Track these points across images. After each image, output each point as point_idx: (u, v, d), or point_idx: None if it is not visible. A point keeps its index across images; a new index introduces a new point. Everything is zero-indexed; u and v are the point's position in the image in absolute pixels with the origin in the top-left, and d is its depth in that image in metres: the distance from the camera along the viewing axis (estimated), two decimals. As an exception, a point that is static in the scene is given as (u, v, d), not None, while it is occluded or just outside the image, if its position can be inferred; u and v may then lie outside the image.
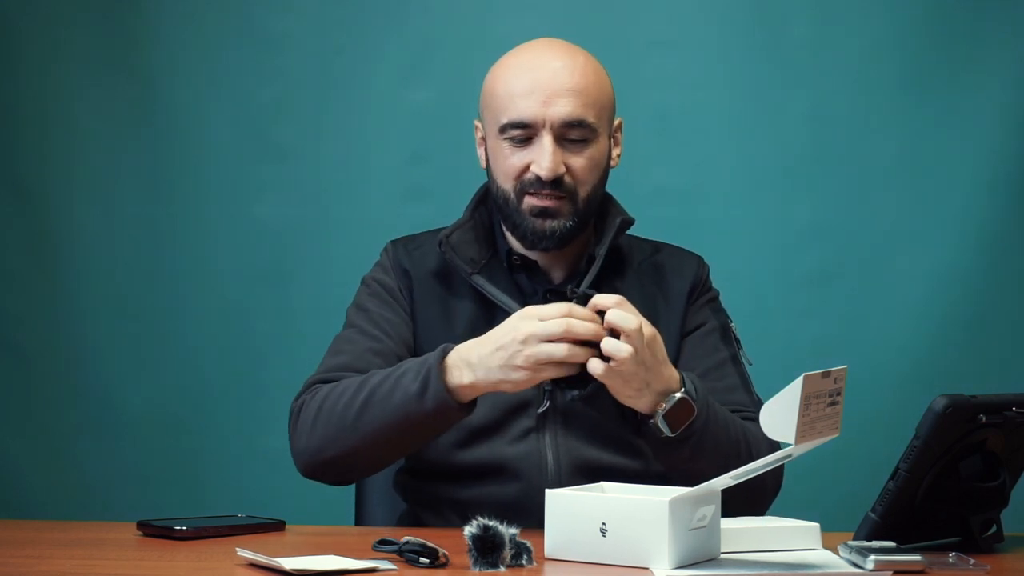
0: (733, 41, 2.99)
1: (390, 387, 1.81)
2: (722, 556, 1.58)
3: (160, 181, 3.03)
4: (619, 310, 1.73)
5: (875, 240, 2.98)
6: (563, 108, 1.92)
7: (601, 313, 1.73)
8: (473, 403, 1.81)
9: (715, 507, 1.55)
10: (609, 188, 2.04)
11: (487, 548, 1.46)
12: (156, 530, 1.73)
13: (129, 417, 3.01)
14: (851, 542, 1.57)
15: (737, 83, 2.99)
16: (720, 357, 2.00)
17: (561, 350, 1.72)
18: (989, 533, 1.71)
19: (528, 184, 1.95)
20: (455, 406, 1.78)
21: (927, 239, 2.96)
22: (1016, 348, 2.96)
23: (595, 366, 1.72)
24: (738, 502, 1.70)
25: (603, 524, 1.51)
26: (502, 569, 1.46)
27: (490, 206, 2.05)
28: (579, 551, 1.53)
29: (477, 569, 1.45)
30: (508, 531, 1.47)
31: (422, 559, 1.50)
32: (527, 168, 1.94)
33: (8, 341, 3.04)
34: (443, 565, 1.49)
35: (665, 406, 1.77)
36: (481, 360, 1.75)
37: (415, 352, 1.97)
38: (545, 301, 1.92)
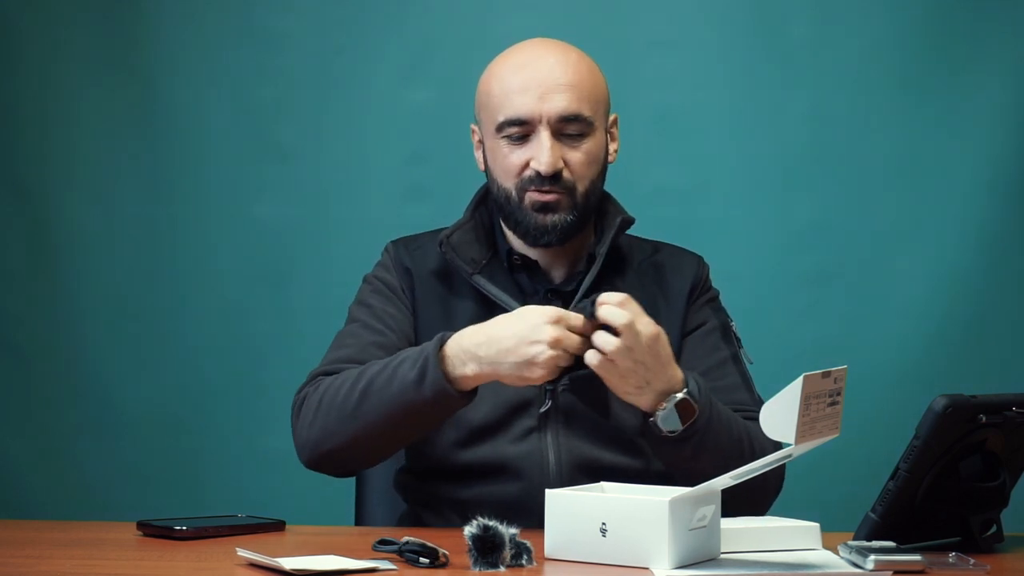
0: (733, 41, 2.99)
1: (388, 376, 1.82)
2: (722, 556, 1.58)
3: (160, 181, 3.03)
4: (610, 306, 1.74)
5: (875, 240, 2.98)
6: (559, 103, 1.93)
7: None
8: (474, 392, 1.82)
9: (715, 507, 1.56)
10: (609, 188, 2.04)
11: (487, 548, 1.46)
12: (156, 530, 1.73)
13: (129, 417, 3.01)
14: (851, 542, 1.57)
15: (737, 83, 2.99)
16: (721, 356, 2.00)
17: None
18: (989, 533, 1.71)
19: (528, 181, 1.95)
20: (455, 394, 1.79)
21: (927, 239, 2.96)
22: (1016, 348, 2.95)
23: (591, 357, 1.75)
24: (740, 502, 1.70)
25: (603, 524, 1.51)
26: (502, 569, 1.46)
27: (490, 206, 2.05)
28: (579, 551, 1.53)
29: (477, 569, 1.45)
30: (508, 531, 1.47)
31: (422, 559, 1.50)
32: (527, 165, 1.95)
33: (8, 341, 3.04)
34: (443, 565, 1.50)
35: (666, 405, 1.78)
36: (494, 354, 1.76)
37: (416, 351, 1.97)
38: (545, 301, 1.94)
